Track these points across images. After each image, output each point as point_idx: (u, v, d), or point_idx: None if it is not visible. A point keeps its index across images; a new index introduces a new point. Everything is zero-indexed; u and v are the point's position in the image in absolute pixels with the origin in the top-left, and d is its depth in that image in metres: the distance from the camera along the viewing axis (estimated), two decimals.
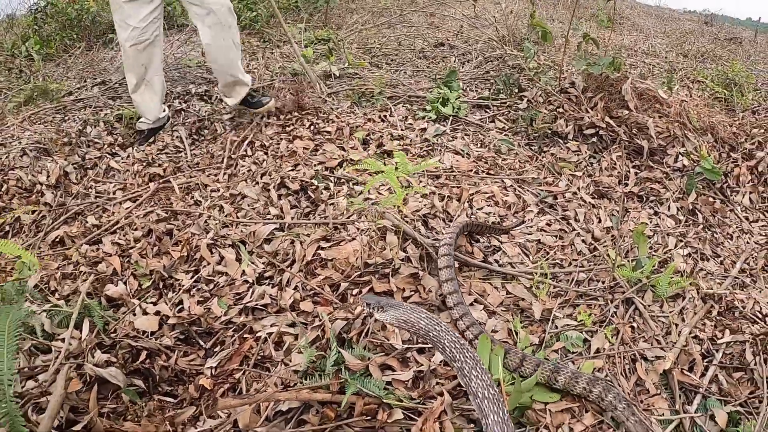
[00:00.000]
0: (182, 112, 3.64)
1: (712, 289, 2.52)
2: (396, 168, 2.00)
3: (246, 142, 3.25)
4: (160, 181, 2.88)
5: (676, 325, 2.28)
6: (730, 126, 3.70)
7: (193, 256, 2.35)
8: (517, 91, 3.82)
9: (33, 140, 3.17)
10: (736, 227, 3.07)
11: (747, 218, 3.18)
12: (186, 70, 4.28)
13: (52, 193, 2.86)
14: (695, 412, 1.93)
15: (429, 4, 6.63)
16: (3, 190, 2.88)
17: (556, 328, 2.14)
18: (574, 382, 1.80)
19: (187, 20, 5.20)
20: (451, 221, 2.52)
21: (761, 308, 2.47)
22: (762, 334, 2.28)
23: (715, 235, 2.96)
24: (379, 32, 5.37)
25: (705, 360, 2.15)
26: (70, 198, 2.85)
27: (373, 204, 2.37)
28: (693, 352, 2.16)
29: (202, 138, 3.39)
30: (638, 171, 3.26)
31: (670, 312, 2.34)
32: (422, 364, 1.79)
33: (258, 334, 1.89)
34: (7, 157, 3.05)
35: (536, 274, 2.27)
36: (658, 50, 6.48)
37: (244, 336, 1.89)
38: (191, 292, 2.12)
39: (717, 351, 2.19)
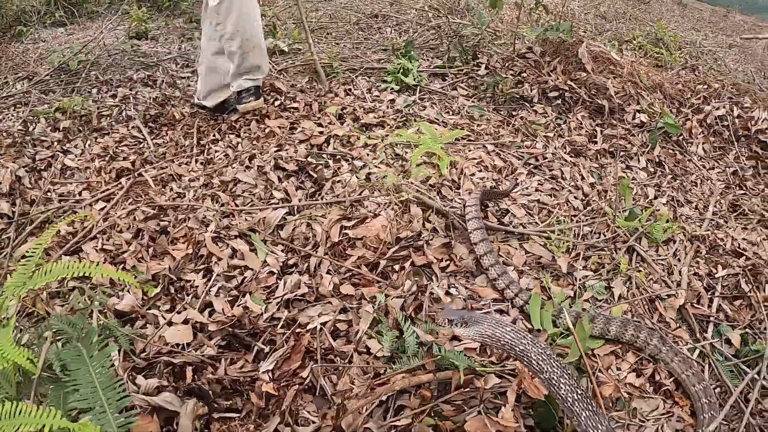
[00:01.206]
0: (131, 99, 3.47)
1: (696, 231, 2.84)
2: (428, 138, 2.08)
3: (213, 126, 3.18)
4: (135, 175, 2.75)
5: (675, 265, 2.56)
6: (676, 84, 4.10)
7: (198, 252, 2.30)
8: (472, 58, 3.99)
9: None
10: (697, 176, 3.43)
11: (704, 167, 3.55)
12: (119, 57, 4.07)
13: (7, 202, 2.65)
14: (712, 338, 2.20)
15: None
16: None
17: (577, 280, 2.34)
18: (623, 330, 2.00)
19: (97, 6, 4.93)
20: (458, 189, 2.64)
21: (739, 244, 2.81)
22: (749, 266, 2.62)
23: (683, 183, 3.30)
24: (312, 6, 5.35)
25: (708, 293, 2.44)
26: (28, 205, 2.65)
27: (383, 177, 2.43)
28: (697, 287, 2.44)
29: (160, 125, 3.27)
30: (603, 129, 3.54)
31: (666, 255, 2.62)
32: None
33: (308, 326, 1.90)
34: None
35: (552, 232, 2.45)
36: (577, 12, 6.91)
37: (297, 331, 1.89)
38: (215, 293, 2.08)
39: (716, 284, 2.49)
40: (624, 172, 3.23)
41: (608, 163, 3.25)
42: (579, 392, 1.45)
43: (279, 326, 1.90)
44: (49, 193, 2.73)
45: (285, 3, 5.30)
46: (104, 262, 2.30)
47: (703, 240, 2.79)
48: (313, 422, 1.57)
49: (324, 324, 1.88)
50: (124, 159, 2.92)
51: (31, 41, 4.36)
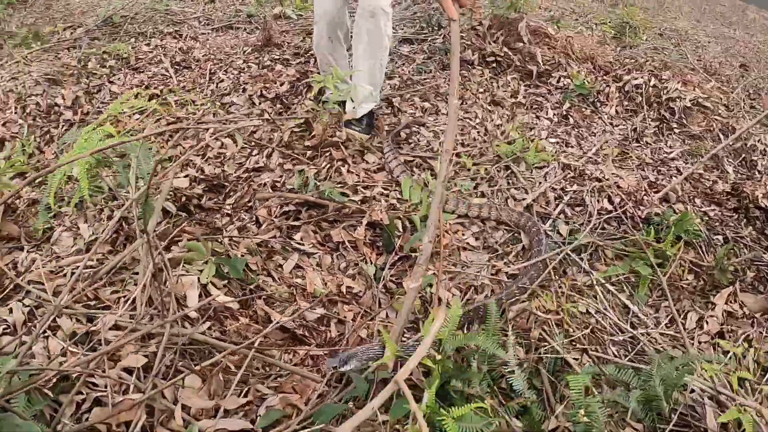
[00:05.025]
0: (161, 48, 5.03)
1: (570, 162, 4.15)
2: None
3: (220, 68, 4.70)
4: (159, 98, 4.26)
5: (540, 182, 3.88)
6: (607, 57, 5.40)
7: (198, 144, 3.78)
8: (437, 28, 5.38)
9: (42, 73, 4.49)
10: (601, 129, 4.73)
11: (611, 123, 4.85)
12: (152, 14, 5.67)
13: (70, 111, 4.19)
14: (547, 227, 3.52)
15: None
16: (27, 113, 4.19)
17: (455, 184, 3.69)
18: (488, 211, 3.35)
19: None
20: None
21: (604, 175, 4.10)
22: (598, 187, 3.91)
23: (581, 131, 4.60)
24: None
25: (556, 200, 3.75)
26: (84, 115, 4.19)
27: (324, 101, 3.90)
28: (549, 196, 3.75)
29: (183, 68, 4.79)
30: (528, 88, 4.88)
31: (538, 175, 3.95)
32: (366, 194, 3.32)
33: (257, 183, 3.36)
34: (23, 87, 4.36)
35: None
36: None
37: (250, 183, 3.35)
38: (208, 162, 3.56)
39: (565, 195, 3.80)
40: (532, 120, 4.57)
41: (521, 113, 4.59)
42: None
43: (240, 181, 3.38)
44: (100, 108, 4.28)
45: None
46: None
47: (574, 170, 4.10)
48: (243, 219, 3.04)
49: (266, 182, 3.34)
50: (155, 88, 4.44)
51: None
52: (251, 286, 2.52)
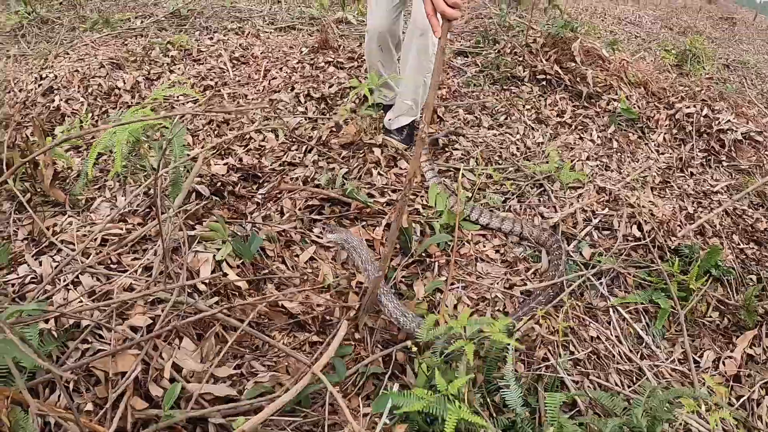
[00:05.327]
0: (223, 43, 5.31)
1: (606, 186, 4.18)
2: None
3: (274, 65, 4.93)
4: (213, 90, 4.53)
5: (572, 203, 3.93)
6: (662, 83, 5.38)
7: (244, 137, 4.00)
8: (492, 43, 5.49)
9: (107, 57, 4.82)
10: (645, 155, 4.73)
11: (657, 151, 4.84)
12: (219, 9, 5.98)
13: (130, 95, 4.51)
14: (571, 248, 3.57)
15: None
16: (88, 92, 4.52)
17: (484, 197, 3.79)
18: (512, 224, 3.43)
19: None
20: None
21: (639, 201, 4.11)
22: (630, 213, 3.93)
23: (624, 156, 4.62)
24: None
25: (584, 222, 3.80)
26: (142, 100, 4.49)
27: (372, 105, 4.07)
28: (577, 217, 3.80)
29: (240, 63, 5.06)
30: (575, 109, 4.93)
31: (570, 196, 4.00)
32: (392, 197, 3.46)
33: (291, 175, 3.55)
34: (88, 68, 4.70)
35: (476, 163, 3.95)
36: (644, 21, 8.16)
37: (283, 176, 3.54)
38: (248, 153, 3.77)
39: (595, 218, 3.84)
40: (575, 141, 4.61)
41: (564, 133, 4.65)
42: (379, 272, 2.61)
43: (274, 173, 3.57)
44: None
45: None
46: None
47: (609, 193, 4.13)
48: (269, 209, 3.22)
49: (298, 176, 3.52)
50: (210, 80, 4.72)
51: None
52: (265, 271, 2.69)
